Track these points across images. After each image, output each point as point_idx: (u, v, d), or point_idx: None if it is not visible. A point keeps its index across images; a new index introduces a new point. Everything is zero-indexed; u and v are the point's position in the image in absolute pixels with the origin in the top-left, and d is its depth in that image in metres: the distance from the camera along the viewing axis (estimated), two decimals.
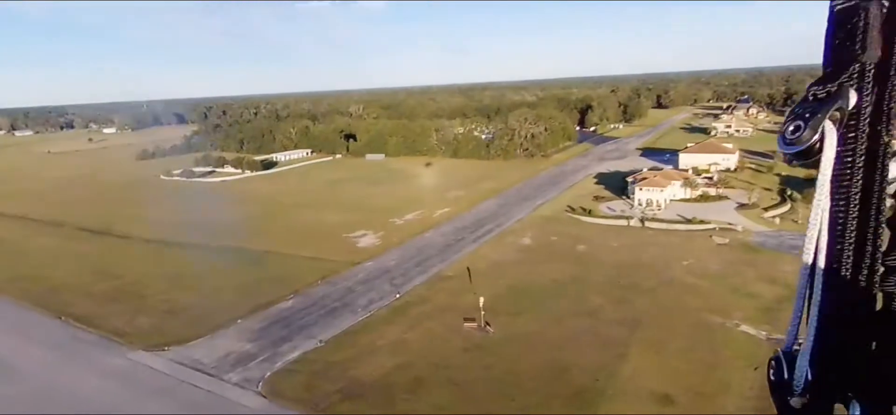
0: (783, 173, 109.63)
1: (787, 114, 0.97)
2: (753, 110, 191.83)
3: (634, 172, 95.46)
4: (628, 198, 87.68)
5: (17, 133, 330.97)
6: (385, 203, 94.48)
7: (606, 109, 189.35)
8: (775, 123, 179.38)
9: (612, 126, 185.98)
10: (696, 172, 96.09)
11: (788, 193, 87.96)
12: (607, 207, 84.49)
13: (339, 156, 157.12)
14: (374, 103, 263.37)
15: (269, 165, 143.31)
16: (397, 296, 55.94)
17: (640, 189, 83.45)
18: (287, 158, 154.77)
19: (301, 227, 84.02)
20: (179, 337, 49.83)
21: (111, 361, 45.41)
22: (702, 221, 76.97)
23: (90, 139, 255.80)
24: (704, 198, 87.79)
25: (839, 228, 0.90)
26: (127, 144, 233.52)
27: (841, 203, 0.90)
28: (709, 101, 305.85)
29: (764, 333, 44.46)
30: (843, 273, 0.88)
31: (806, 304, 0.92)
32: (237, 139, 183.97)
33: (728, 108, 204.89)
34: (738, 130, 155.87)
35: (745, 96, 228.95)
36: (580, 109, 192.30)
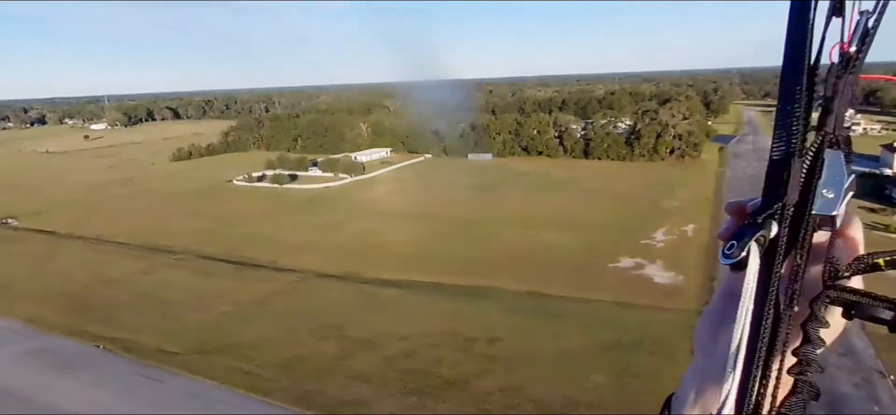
0: None
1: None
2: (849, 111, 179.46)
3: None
4: None
5: None
6: (601, 219, 74.01)
7: (691, 104, 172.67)
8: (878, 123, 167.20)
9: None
10: None
11: None
12: None
13: (428, 156, 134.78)
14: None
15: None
16: None
17: None
18: (369, 158, 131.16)
19: (532, 253, 62.64)
20: None
21: None
22: None
23: (86, 136, 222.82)
24: None
25: (755, 327, 1.09)
26: (135, 143, 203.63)
27: (762, 309, 1.10)
28: (740, 100, 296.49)
29: None
30: (756, 360, 1.08)
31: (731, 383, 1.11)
32: (290, 136, 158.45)
33: None
34: (866, 129, 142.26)
35: None
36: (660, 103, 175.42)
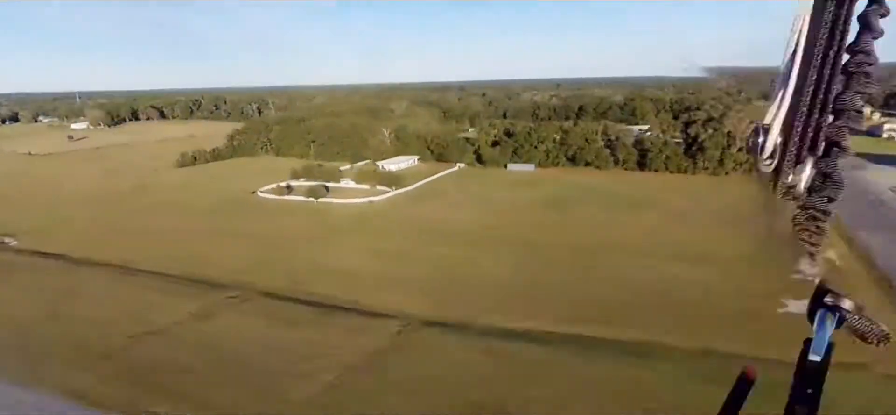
0: None
1: None
2: (867, 110, 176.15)
3: None
4: None
5: None
6: (723, 247, 64.26)
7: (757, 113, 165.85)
8: None
9: None
10: None
11: None
12: None
13: (461, 165, 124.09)
14: (415, 101, 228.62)
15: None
16: None
17: None
18: (397, 167, 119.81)
19: (670, 292, 52.69)
20: None
21: None
22: None
23: (70, 137, 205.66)
24: None
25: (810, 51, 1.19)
26: (123, 144, 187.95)
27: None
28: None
29: None
30: (808, 84, 1.17)
31: (780, 96, 1.21)
32: (303, 141, 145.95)
33: None
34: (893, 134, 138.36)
35: None
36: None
